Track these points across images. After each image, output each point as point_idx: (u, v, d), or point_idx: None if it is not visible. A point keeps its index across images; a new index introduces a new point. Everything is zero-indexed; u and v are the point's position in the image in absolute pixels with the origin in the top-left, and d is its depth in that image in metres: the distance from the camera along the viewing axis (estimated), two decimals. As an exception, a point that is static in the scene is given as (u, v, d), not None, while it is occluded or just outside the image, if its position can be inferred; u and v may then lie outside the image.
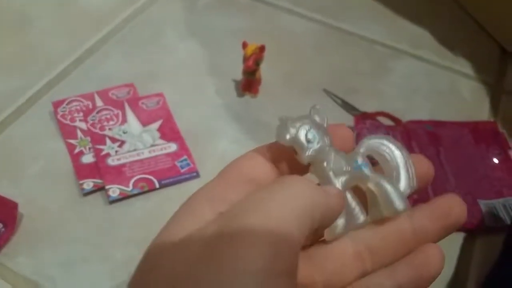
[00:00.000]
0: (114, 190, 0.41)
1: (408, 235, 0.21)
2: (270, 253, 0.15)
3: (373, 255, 0.21)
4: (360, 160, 0.21)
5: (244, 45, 0.47)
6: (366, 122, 0.46)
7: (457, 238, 0.42)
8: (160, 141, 0.45)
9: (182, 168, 0.43)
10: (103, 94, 0.49)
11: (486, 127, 0.49)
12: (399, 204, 0.21)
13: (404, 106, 0.51)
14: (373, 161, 0.22)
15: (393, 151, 0.22)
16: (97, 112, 0.47)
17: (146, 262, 0.17)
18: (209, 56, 0.54)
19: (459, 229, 0.42)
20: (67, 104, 0.47)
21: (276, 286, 0.15)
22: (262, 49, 0.47)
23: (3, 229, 0.37)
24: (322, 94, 0.51)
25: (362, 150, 0.22)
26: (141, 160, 0.43)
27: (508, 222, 0.41)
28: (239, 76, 0.50)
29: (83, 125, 0.46)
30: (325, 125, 0.21)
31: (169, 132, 0.46)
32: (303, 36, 0.58)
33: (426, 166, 0.22)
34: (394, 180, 0.21)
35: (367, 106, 0.49)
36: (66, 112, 0.47)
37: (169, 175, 0.43)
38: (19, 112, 0.47)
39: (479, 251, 0.41)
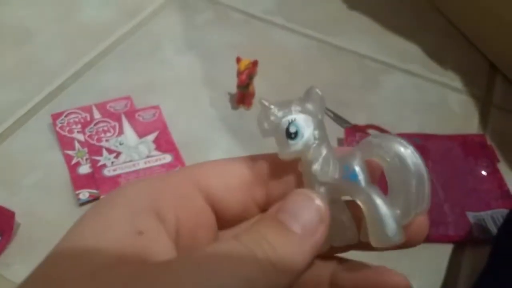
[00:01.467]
0: (109, 200, 0.42)
1: None
2: None
3: None
4: (354, 167, 0.17)
5: (238, 60, 0.48)
6: (356, 135, 0.47)
7: (446, 250, 0.42)
8: (156, 153, 0.46)
9: (176, 179, 0.44)
10: (101, 107, 0.50)
11: (474, 140, 0.50)
12: (391, 231, 0.16)
13: (394, 119, 0.52)
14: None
15: (405, 158, 0.17)
16: (95, 124, 0.48)
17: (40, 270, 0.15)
18: (205, 70, 0.56)
19: (447, 241, 0.43)
20: (65, 116, 0.49)
21: None
22: (255, 64, 0.48)
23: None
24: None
25: (359, 153, 0.17)
26: (136, 171, 0.44)
27: (496, 233, 0.42)
28: (233, 89, 0.51)
29: (80, 137, 0.47)
30: (319, 116, 0.17)
31: (164, 143, 0.47)
32: (296, 50, 0.59)
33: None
34: (397, 197, 0.17)
35: (358, 119, 0.51)
36: (65, 124, 0.48)
37: (163, 185, 0.44)
38: (18, 124, 0.49)
39: (468, 263, 0.42)
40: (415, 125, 0.52)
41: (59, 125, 0.48)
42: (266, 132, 0.17)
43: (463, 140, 0.49)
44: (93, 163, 0.45)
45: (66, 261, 0.15)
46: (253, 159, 0.19)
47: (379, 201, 0.16)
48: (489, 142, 0.50)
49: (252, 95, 0.51)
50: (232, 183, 0.18)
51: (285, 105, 0.17)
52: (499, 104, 0.55)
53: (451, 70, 0.58)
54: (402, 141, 0.17)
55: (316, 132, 0.17)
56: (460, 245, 0.43)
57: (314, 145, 0.17)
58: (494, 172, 0.47)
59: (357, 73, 0.57)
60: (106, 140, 0.47)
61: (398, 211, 0.17)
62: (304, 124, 0.17)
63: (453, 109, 0.54)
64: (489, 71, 0.59)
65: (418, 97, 0.55)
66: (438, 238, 0.42)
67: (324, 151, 0.17)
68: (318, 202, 0.16)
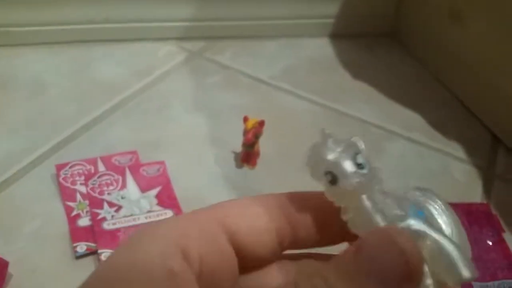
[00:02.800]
0: (106, 255, 0.41)
1: None
2: None
3: None
4: (416, 207, 0.16)
5: (245, 119, 0.49)
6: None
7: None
8: (157, 208, 0.46)
9: (177, 235, 0.43)
10: (106, 160, 0.50)
11: (479, 209, 0.49)
12: (465, 271, 0.15)
13: (397, 185, 0.52)
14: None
15: (447, 223, 0.16)
16: (99, 177, 0.48)
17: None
18: (212, 129, 0.57)
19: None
20: (70, 168, 0.49)
21: None
22: (261, 123, 0.49)
23: (-10, 288, 0.36)
24: (318, 170, 0.52)
25: (419, 196, 0.16)
26: (136, 226, 0.44)
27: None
28: (238, 148, 0.52)
29: (83, 189, 0.47)
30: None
31: (166, 199, 0.47)
32: (301, 115, 0.61)
33: None
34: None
35: (362, 183, 0.51)
36: (68, 175, 0.48)
37: (162, 241, 0.43)
38: (23, 172, 0.49)
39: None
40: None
41: (63, 176, 0.48)
42: (328, 164, 0.15)
43: (468, 209, 0.49)
44: (93, 216, 0.44)
45: None
46: (280, 198, 0.17)
47: (449, 242, 0.15)
48: (493, 211, 0.49)
49: (257, 154, 0.52)
50: (260, 226, 0.17)
51: (343, 140, 0.16)
52: (502, 174, 0.56)
53: (454, 140, 0.59)
54: (445, 203, 0.17)
55: (377, 169, 0.16)
56: (468, 319, 0.41)
57: (374, 182, 0.16)
58: (500, 242, 0.46)
59: (361, 138, 0.58)
60: (108, 193, 0.46)
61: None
62: (366, 158, 0.16)
63: (456, 178, 0.54)
64: (492, 142, 0.59)
65: (421, 164, 0.55)
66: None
67: (382, 189, 0.16)
68: (406, 243, 0.13)
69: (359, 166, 0.15)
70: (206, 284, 0.16)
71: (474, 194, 0.53)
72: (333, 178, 0.15)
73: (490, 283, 0.42)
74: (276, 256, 0.18)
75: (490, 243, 0.45)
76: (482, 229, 0.47)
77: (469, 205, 0.50)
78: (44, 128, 0.54)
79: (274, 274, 0.18)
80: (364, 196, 0.15)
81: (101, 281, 0.15)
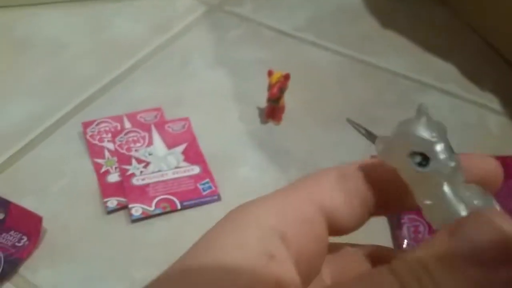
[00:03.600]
0: (137, 209, 0.41)
1: None
2: None
3: None
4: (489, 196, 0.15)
5: (270, 73, 0.48)
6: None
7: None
8: (184, 164, 0.46)
9: (204, 190, 0.43)
10: (132, 117, 0.50)
11: (514, 162, 0.48)
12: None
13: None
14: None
15: None
16: (125, 134, 0.48)
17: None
18: (235, 84, 0.56)
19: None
20: (96, 125, 0.49)
21: None
22: (287, 77, 0.48)
23: (26, 242, 0.37)
24: (345, 124, 0.51)
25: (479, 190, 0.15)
26: (164, 181, 0.44)
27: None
28: (263, 104, 0.51)
29: (111, 146, 0.47)
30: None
31: (193, 155, 0.47)
32: (326, 67, 0.58)
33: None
34: None
35: (391, 137, 0.49)
36: (95, 133, 0.48)
37: (191, 197, 0.43)
38: (49, 132, 0.49)
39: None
40: (452, 146, 0.50)
41: (90, 133, 0.48)
42: (420, 141, 0.14)
43: (503, 162, 0.47)
44: (122, 172, 0.44)
45: (192, 275, 0.14)
46: (362, 168, 0.16)
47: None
48: (530, 165, 0.47)
49: (282, 109, 0.50)
50: (355, 203, 0.16)
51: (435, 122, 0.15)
52: (540, 126, 0.53)
53: (489, 91, 0.56)
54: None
55: (459, 159, 0.15)
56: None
57: (459, 172, 0.15)
58: (537, 196, 0.44)
59: (391, 91, 0.56)
60: (136, 150, 0.46)
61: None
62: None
63: (491, 130, 0.52)
64: (529, 93, 0.56)
65: (455, 117, 0.53)
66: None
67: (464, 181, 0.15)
68: (504, 222, 0.13)
69: (452, 152, 0.14)
70: (303, 267, 0.15)
71: (510, 146, 0.50)
72: (422, 160, 0.14)
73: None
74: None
75: (527, 196, 0.44)
76: (518, 182, 0.45)
77: (505, 157, 0.48)
78: (66, 87, 0.54)
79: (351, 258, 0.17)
80: (447, 184, 0.14)
81: (198, 263, 0.14)
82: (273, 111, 0.50)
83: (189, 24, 0.64)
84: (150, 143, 0.47)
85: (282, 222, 0.15)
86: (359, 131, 0.50)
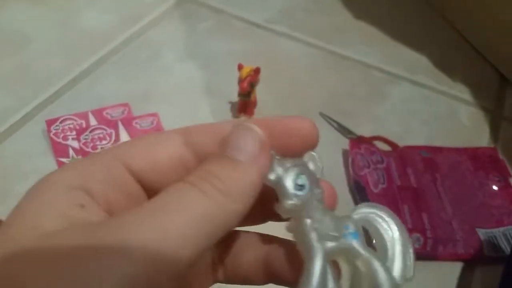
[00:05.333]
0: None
1: None
2: (142, 278, 0.13)
3: None
4: (352, 228, 0.17)
5: (240, 67, 0.47)
6: (361, 147, 0.46)
7: (455, 269, 0.40)
8: (152, 162, 0.44)
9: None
10: (98, 113, 0.48)
11: (485, 154, 0.48)
12: None
13: (401, 131, 0.50)
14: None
15: (392, 229, 0.18)
16: (90, 131, 0.46)
17: None
18: (206, 78, 0.54)
19: (456, 259, 0.40)
20: (60, 123, 0.47)
21: None
22: (257, 71, 0.47)
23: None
24: (317, 117, 0.50)
25: (356, 216, 0.18)
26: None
27: (509, 252, 0.39)
28: (235, 98, 0.49)
29: (75, 144, 0.45)
30: (318, 176, 0.17)
31: (161, 152, 0.45)
32: (299, 59, 0.58)
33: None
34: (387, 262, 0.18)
35: (363, 130, 0.49)
36: (59, 131, 0.46)
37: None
38: (12, 130, 0.47)
39: (478, 283, 0.40)
40: (423, 138, 0.50)
41: (54, 131, 0.46)
42: (271, 182, 0.17)
43: (473, 154, 0.47)
44: (87, 172, 0.43)
45: (18, 227, 0.14)
46: (189, 131, 0.17)
47: (380, 268, 0.17)
48: (500, 155, 0.48)
49: (254, 104, 0.50)
50: (163, 164, 0.17)
51: (290, 160, 0.17)
52: (510, 116, 0.54)
53: (460, 82, 0.57)
54: (388, 211, 0.18)
55: (317, 191, 0.17)
56: (470, 264, 0.40)
57: (315, 201, 0.17)
58: (507, 187, 0.45)
59: (363, 83, 0.55)
60: (101, 148, 0.45)
61: (394, 275, 0.17)
62: (309, 179, 0.17)
63: (462, 121, 0.52)
64: (500, 83, 0.57)
65: (426, 108, 0.53)
66: (446, 257, 0.40)
67: (323, 209, 0.17)
68: (257, 129, 0.16)
69: (300, 187, 0.16)
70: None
71: (481, 137, 0.51)
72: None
73: (495, 230, 0.41)
74: None
75: (496, 189, 0.44)
76: (488, 174, 0.45)
77: (475, 149, 0.48)
78: (31, 83, 0.52)
79: None
80: (302, 214, 0.16)
81: (18, 224, 0.15)
82: (244, 105, 0.49)
83: (159, 15, 0.62)
84: (117, 140, 0.46)
85: (86, 181, 0.16)
86: (332, 125, 0.50)
